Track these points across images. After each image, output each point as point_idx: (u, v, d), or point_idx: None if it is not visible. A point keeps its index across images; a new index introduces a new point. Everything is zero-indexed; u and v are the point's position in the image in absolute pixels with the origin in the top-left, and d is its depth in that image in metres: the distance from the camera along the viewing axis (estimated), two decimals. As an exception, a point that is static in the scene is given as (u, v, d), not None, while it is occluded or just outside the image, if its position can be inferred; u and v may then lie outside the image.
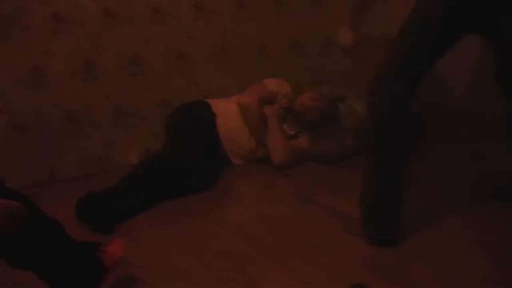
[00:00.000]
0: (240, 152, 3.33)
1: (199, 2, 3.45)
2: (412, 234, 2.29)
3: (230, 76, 3.69)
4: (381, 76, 2.17)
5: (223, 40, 3.61)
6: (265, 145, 3.35)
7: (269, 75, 3.70)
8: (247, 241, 2.35)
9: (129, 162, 3.30)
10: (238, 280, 2.04)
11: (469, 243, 2.24)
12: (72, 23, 2.99)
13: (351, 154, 3.35)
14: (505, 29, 2.15)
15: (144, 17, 3.24)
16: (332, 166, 3.28)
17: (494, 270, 2.03)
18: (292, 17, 3.91)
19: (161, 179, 2.78)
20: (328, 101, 3.41)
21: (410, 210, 2.32)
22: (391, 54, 2.17)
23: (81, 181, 3.12)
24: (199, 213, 2.66)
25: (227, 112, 3.32)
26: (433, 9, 2.06)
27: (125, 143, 3.32)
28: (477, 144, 3.22)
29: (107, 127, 3.24)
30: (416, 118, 2.41)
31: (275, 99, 3.42)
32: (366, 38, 2.88)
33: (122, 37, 3.18)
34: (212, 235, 2.43)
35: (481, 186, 2.83)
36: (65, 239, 1.81)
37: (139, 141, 3.36)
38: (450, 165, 3.18)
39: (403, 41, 2.15)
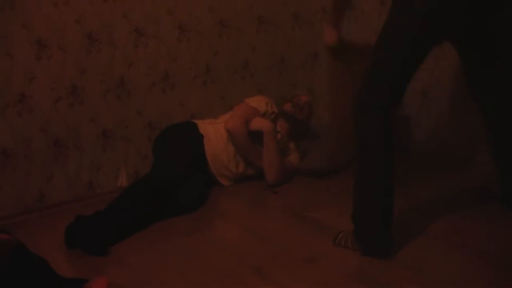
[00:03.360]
0: (228, 173, 3.34)
1: (183, 23, 3.49)
2: (404, 244, 2.31)
3: (216, 95, 3.71)
4: (363, 94, 2.22)
5: (207, 59, 3.64)
6: (255, 165, 3.37)
7: (255, 93, 3.73)
8: (235, 258, 2.35)
9: (118, 185, 3.31)
10: (227, 297, 2.04)
11: (463, 250, 2.25)
12: (56, 48, 3.01)
13: (338, 168, 3.38)
14: (468, 38, 2.25)
15: (128, 39, 3.26)
16: (321, 180, 3.29)
17: (489, 277, 2.04)
18: (275, 34, 3.96)
19: (149, 201, 2.78)
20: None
21: (400, 219, 2.34)
22: (369, 72, 2.22)
23: (70, 206, 3.12)
24: (188, 232, 2.66)
25: (215, 133, 3.31)
26: (404, 24, 2.12)
27: (113, 166, 3.33)
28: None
29: (94, 150, 3.24)
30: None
31: (262, 116, 3.41)
32: (352, 43, 2.98)
33: (106, 60, 3.20)
34: (201, 253, 2.43)
35: (469, 193, 2.86)
36: (51, 276, 1.82)
37: (127, 164, 3.36)
38: (435, 174, 3.21)
39: (379, 59, 2.20)
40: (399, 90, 2.20)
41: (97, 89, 3.19)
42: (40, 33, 2.95)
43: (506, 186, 2.59)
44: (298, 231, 2.62)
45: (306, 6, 4.10)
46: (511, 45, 2.31)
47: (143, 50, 3.34)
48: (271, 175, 3.28)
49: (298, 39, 4.10)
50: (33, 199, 3.04)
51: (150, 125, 3.43)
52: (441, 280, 2.03)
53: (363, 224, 2.25)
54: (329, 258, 2.29)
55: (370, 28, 3.68)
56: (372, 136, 2.17)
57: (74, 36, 3.07)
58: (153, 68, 3.40)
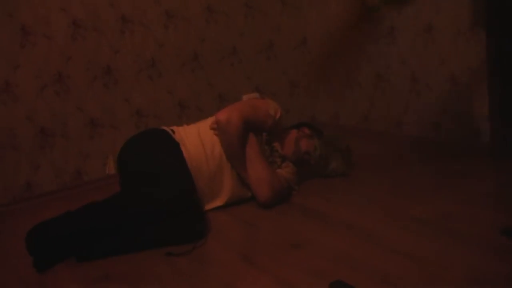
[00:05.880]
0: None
1: (169, 9, 3.46)
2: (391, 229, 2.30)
3: (204, 82, 3.69)
4: None
5: (195, 46, 3.62)
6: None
7: (243, 80, 3.72)
8: (221, 244, 2.34)
9: (106, 173, 3.30)
10: (213, 283, 2.03)
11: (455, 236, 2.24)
12: (41, 36, 2.99)
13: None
14: None
15: (114, 27, 3.24)
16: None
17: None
18: (264, 20, 3.93)
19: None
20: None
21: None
22: None
23: (58, 195, 3.11)
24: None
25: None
26: None
27: (101, 154, 3.32)
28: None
29: (82, 139, 3.23)
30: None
31: (264, 126, 2.72)
32: None
33: (92, 48, 3.18)
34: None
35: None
36: None
37: (115, 152, 3.35)
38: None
39: None
40: None
41: (83, 77, 3.19)
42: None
43: None
44: (285, 217, 2.61)
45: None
46: None
47: (130, 37, 3.32)
48: (263, 190, 2.62)
49: (286, 25, 4.08)
50: (20, 189, 3.04)
51: (137, 113, 3.43)
52: (433, 265, 2.01)
53: None
54: (316, 243, 2.28)
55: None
56: None
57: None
58: (140, 55, 3.39)
